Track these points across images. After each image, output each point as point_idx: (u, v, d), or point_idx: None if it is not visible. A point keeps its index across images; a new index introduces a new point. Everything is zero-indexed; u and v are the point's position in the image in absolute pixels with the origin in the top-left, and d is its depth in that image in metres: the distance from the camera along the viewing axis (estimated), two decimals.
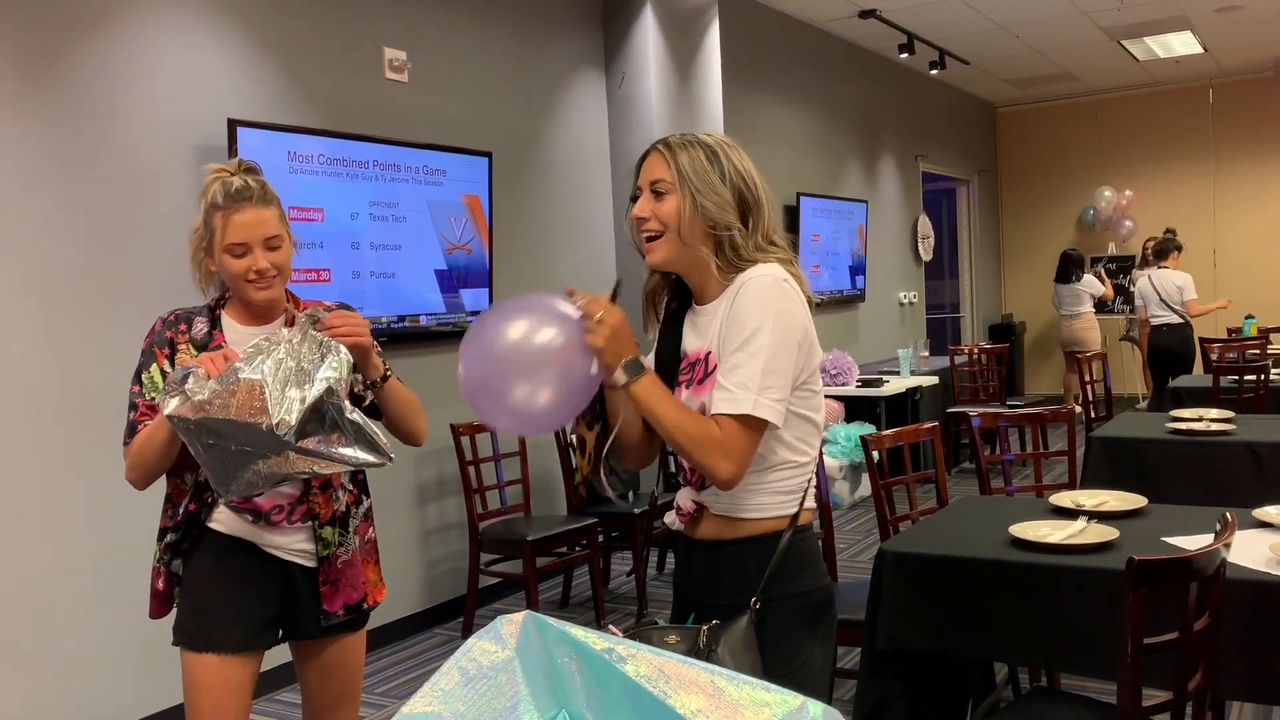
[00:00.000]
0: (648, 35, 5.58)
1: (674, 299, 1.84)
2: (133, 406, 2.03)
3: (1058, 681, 3.19)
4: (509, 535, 4.40)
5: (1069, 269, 9.20)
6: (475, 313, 4.78)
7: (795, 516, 1.72)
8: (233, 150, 3.71)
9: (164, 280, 3.60)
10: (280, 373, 1.85)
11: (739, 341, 1.64)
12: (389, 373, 2.10)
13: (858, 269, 8.39)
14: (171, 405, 1.86)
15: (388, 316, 4.37)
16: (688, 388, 1.74)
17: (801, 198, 7.34)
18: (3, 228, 3.24)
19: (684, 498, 1.78)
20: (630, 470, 4.99)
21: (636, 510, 4.64)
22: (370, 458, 1.90)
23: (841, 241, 8.09)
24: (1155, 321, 7.56)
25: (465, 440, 4.53)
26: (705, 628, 1.62)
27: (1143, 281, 7.66)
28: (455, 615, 4.70)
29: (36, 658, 3.28)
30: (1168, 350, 7.46)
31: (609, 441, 1.77)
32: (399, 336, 4.42)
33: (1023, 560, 2.38)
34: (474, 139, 4.88)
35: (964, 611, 2.42)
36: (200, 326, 2.07)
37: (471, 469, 4.50)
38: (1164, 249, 7.64)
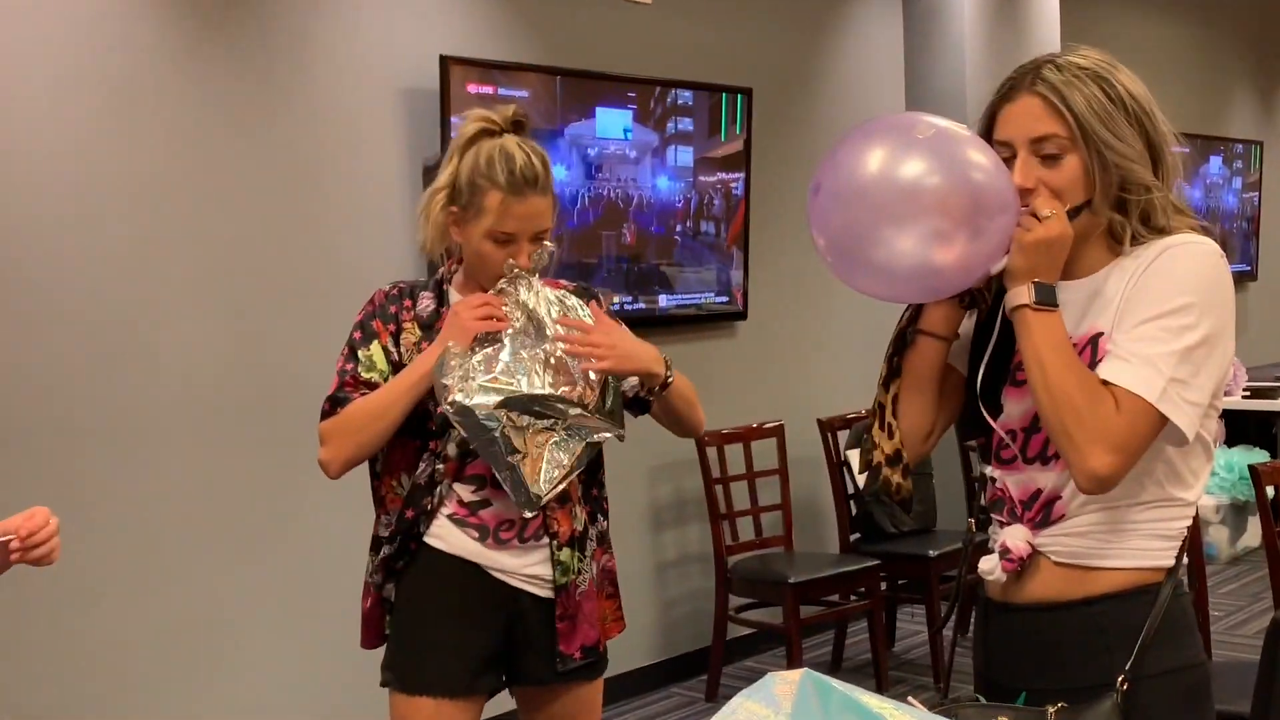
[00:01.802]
0: None
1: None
2: (342, 379, 2.19)
3: None
4: (765, 575, 4.45)
5: None
6: (726, 292, 4.86)
7: (1174, 570, 1.64)
8: (446, 93, 3.94)
9: (364, 244, 3.89)
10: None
11: (1157, 310, 1.56)
12: (670, 376, 2.24)
13: (1248, 235, 7.92)
14: (468, 394, 2.05)
15: (619, 297, 4.52)
16: None
17: (1180, 139, 6.99)
18: (192, 179, 3.59)
19: (1015, 538, 1.68)
20: (922, 499, 4.92)
21: (934, 553, 4.59)
22: (616, 429, 2.18)
23: (1226, 199, 7.66)
24: None
25: (712, 452, 4.61)
26: (1052, 709, 1.57)
27: None
28: (697, 672, 4.79)
29: (220, 677, 3.62)
30: None
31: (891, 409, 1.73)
32: (635, 322, 4.55)
33: None
34: (731, 73, 4.95)
35: None
36: (426, 303, 2.24)
37: (719, 489, 4.58)
38: None
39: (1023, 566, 1.69)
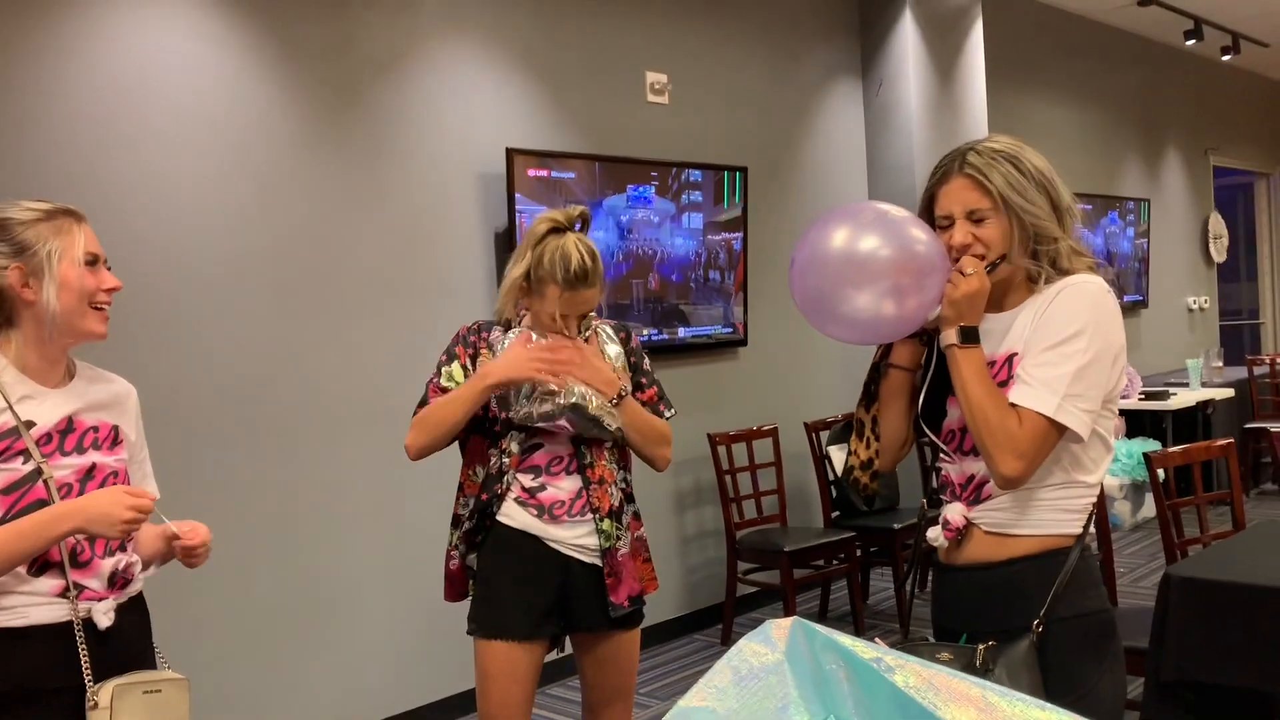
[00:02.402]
0: (906, 39, 5.48)
1: None
2: (428, 388, 2.27)
3: None
4: (766, 545, 4.44)
5: None
6: (730, 324, 4.87)
7: (1081, 535, 1.64)
8: (511, 176, 3.98)
9: (449, 293, 3.93)
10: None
11: (1054, 340, 1.58)
12: (624, 392, 2.24)
13: (1140, 273, 7.85)
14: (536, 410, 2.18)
15: (647, 330, 4.53)
16: None
17: (1076, 198, 6.93)
18: (312, 251, 3.63)
19: (954, 513, 1.70)
20: (888, 484, 4.91)
21: (897, 525, 4.57)
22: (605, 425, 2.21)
23: (1122, 245, 7.60)
24: None
25: (722, 450, 4.62)
26: (982, 647, 1.57)
27: None
28: (714, 622, 4.78)
29: (337, 645, 3.65)
30: None
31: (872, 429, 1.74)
32: (659, 349, 4.58)
33: None
34: (730, 154, 4.97)
35: (1262, 643, 2.24)
36: (497, 335, 2.30)
37: (728, 478, 4.58)
38: None
39: (960, 535, 1.70)
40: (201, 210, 3.38)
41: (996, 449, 1.57)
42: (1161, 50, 8.17)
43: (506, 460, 2.22)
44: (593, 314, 2.29)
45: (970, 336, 1.61)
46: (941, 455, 1.75)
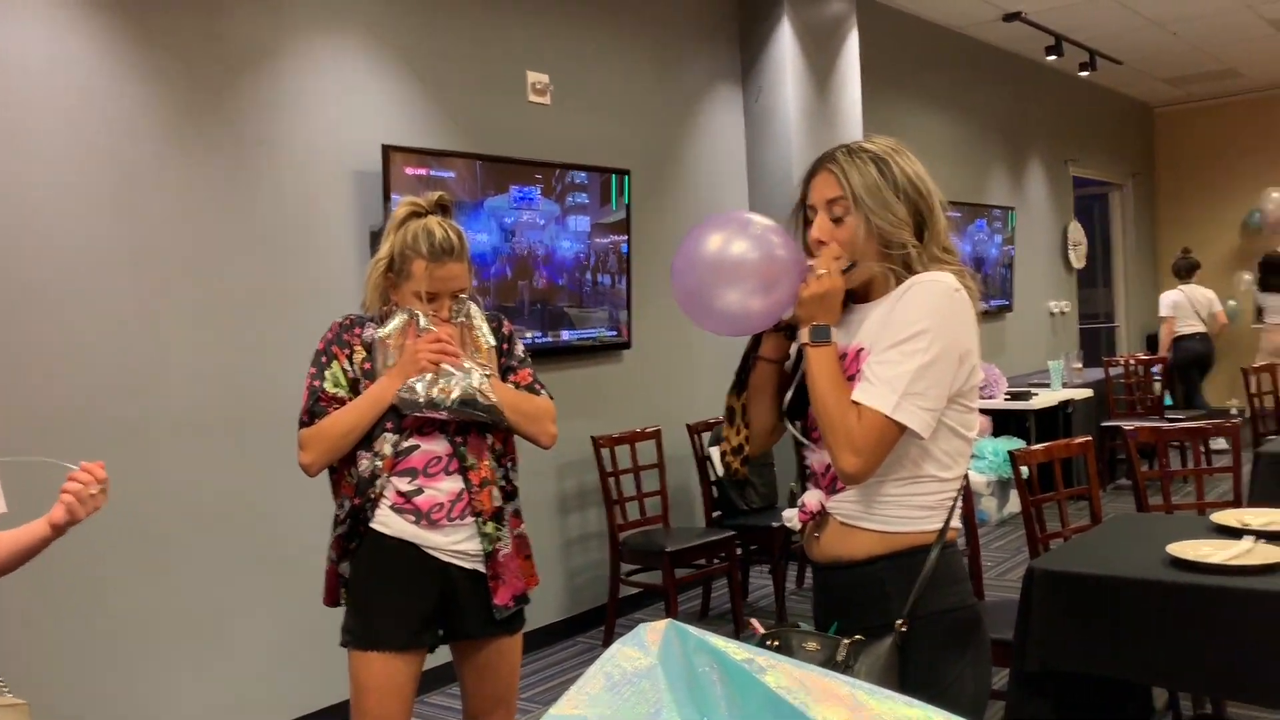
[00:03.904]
0: (785, 48, 5.57)
1: None
2: (314, 395, 2.16)
3: (1223, 709, 3.02)
4: (648, 546, 4.44)
5: (1273, 277, 8.65)
6: (615, 328, 4.86)
7: (942, 532, 1.65)
8: (388, 175, 3.88)
9: (322, 294, 3.81)
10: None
11: (897, 339, 1.59)
12: (487, 374, 2.18)
13: (1006, 278, 8.15)
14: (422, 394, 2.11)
15: (531, 333, 4.49)
16: None
17: (945, 207, 7.15)
18: (177, 250, 3.47)
19: (811, 497, 1.73)
20: (767, 483, 4.97)
21: (776, 524, 4.63)
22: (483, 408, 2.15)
23: (990, 251, 7.88)
24: (1185, 330, 8.37)
25: (605, 452, 4.60)
26: (847, 641, 1.59)
27: (1176, 295, 8.54)
28: (597, 624, 4.77)
29: (213, 653, 3.49)
30: (1197, 356, 8.38)
31: (741, 408, 1.78)
32: (544, 352, 4.53)
33: (1182, 581, 2.28)
34: (614, 157, 4.97)
35: (1119, 633, 2.33)
36: (370, 331, 2.21)
37: (611, 480, 4.56)
38: (1189, 267, 8.65)
39: (815, 519, 1.72)
40: (57, 211, 3.19)
41: (837, 445, 1.60)
42: (1025, 65, 8.51)
43: (380, 463, 2.15)
44: (465, 295, 2.23)
45: (820, 335, 1.64)
46: (805, 445, 1.77)
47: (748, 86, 5.74)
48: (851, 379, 1.64)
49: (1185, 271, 8.62)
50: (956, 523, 1.70)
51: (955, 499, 1.69)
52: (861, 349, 1.66)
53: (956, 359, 1.61)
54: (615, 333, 4.89)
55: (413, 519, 2.15)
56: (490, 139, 4.43)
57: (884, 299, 1.67)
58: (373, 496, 2.15)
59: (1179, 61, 9.00)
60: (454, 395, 2.10)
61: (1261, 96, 10.46)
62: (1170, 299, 8.49)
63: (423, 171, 4.05)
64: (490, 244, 4.32)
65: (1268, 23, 7.85)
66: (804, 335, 1.66)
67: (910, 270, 1.66)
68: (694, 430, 4.90)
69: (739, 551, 4.71)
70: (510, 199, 4.41)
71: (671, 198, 5.35)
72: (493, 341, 2.25)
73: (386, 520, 2.16)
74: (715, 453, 4.91)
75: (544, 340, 4.54)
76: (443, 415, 2.12)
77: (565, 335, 4.66)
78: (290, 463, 2.22)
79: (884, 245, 1.65)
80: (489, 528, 2.19)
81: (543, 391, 2.31)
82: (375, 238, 4.02)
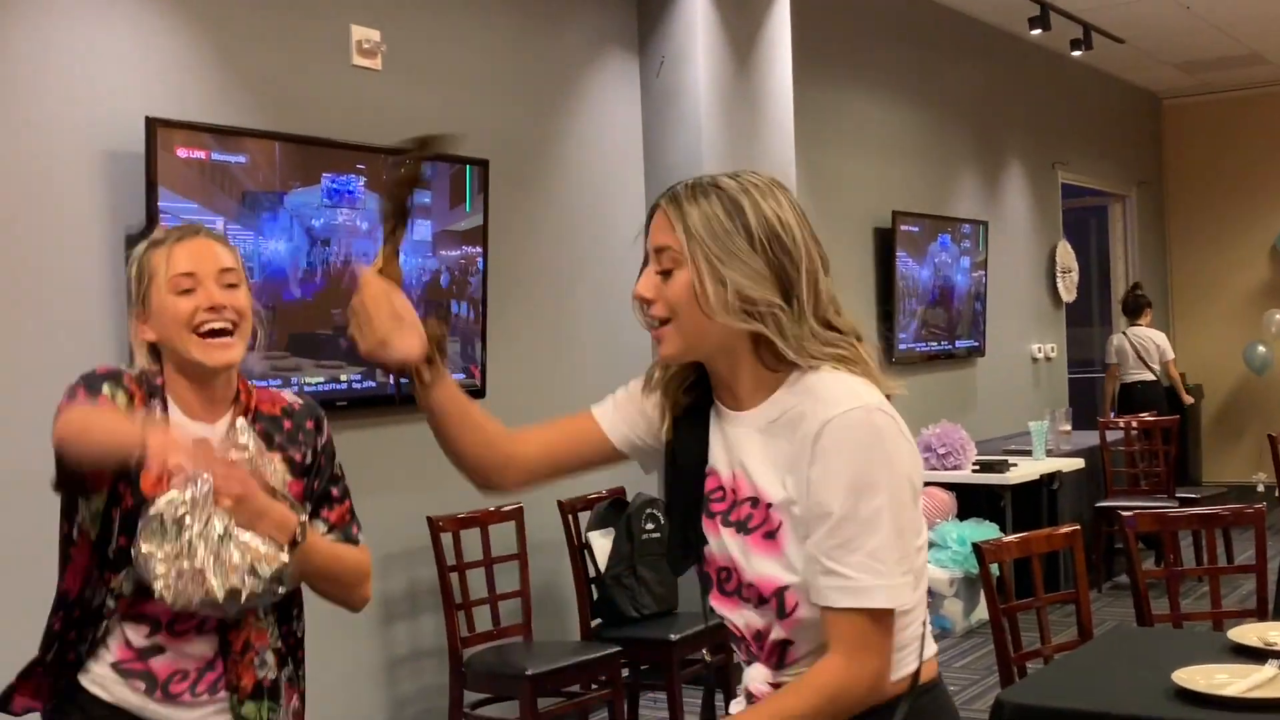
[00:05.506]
0: (695, 8, 5.64)
1: (694, 387, 1.80)
2: (92, 394, 2.02)
3: None
4: (502, 668, 4.38)
5: None
6: (465, 368, 4.81)
7: (915, 675, 1.69)
8: (153, 156, 3.78)
9: (56, 309, 3.71)
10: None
11: (843, 510, 1.60)
12: (301, 533, 2.03)
13: (976, 313, 8.34)
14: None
15: (347, 375, 4.40)
16: (740, 532, 1.70)
17: (898, 219, 7.34)
18: None
19: (756, 680, 1.73)
20: (664, 584, 4.95)
21: (674, 636, 4.61)
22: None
23: (957, 278, 8.06)
24: (1130, 379, 9.08)
25: (446, 538, 4.52)
26: None
27: (1118, 339, 9.25)
28: None
29: None
30: (1146, 410, 8.74)
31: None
32: (361, 401, 4.44)
33: (1191, 719, 2.32)
34: (466, 142, 4.93)
35: None
36: (155, 407, 2.08)
37: (454, 576, 4.49)
38: (1136, 305, 9.30)
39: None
40: None
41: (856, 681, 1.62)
42: (1004, 41, 8.80)
43: (112, 602, 2.04)
44: (254, 385, 2.16)
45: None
46: (715, 593, 1.77)
47: (646, 55, 5.79)
48: (776, 534, 1.65)
49: (1133, 311, 9.31)
50: (931, 647, 1.73)
51: (923, 626, 1.72)
52: (770, 504, 1.67)
53: (912, 498, 1.66)
54: (464, 374, 4.83)
55: (142, 686, 2.06)
56: (298, 114, 4.37)
57: (764, 407, 1.69)
58: (91, 638, 2.06)
59: (1192, 43, 9.42)
60: (235, 585, 1.92)
61: None
62: (1114, 343, 9.18)
63: (202, 154, 3.96)
64: (290, 253, 4.24)
65: None
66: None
67: (785, 342, 1.64)
68: (567, 509, 4.86)
69: (625, 674, 4.68)
70: (322, 193, 4.34)
71: (544, 198, 5.34)
72: (287, 477, 2.12)
73: (104, 682, 2.06)
74: (597, 539, 4.88)
75: (364, 387, 4.46)
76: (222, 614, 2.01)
77: (392, 380, 4.57)
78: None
79: (743, 306, 1.64)
80: (248, 709, 2.09)
81: (360, 536, 2.24)
82: (132, 243, 3.92)
